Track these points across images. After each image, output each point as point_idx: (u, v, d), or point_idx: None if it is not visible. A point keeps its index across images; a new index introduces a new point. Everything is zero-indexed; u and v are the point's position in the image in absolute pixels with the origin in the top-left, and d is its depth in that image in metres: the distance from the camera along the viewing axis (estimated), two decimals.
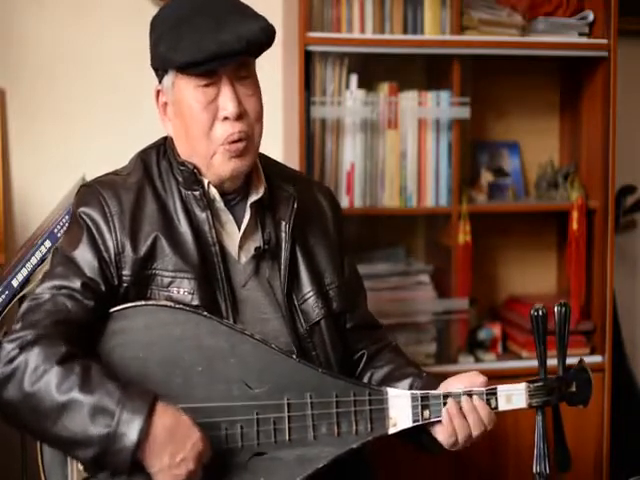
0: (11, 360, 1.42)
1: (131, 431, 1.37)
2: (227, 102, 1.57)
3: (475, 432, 1.56)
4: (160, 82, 1.63)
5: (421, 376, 1.69)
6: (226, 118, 1.57)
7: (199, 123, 1.58)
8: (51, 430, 1.40)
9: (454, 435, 1.56)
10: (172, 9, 1.60)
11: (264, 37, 1.56)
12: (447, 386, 1.60)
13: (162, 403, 1.42)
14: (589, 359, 2.65)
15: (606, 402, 2.66)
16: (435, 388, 1.60)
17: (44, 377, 1.40)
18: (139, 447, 1.37)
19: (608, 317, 2.69)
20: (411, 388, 1.66)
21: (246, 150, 1.61)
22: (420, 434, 1.61)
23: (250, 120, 1.60)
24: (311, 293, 1.69)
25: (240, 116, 1.58)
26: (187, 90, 1.57)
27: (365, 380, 1.75)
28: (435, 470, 2.37)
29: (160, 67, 1.61)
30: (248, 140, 1.60)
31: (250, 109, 1.60)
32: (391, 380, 1.71)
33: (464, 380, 1.59)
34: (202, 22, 1.54)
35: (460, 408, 1.55)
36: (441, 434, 1.57)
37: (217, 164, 1.60)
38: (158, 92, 1.65)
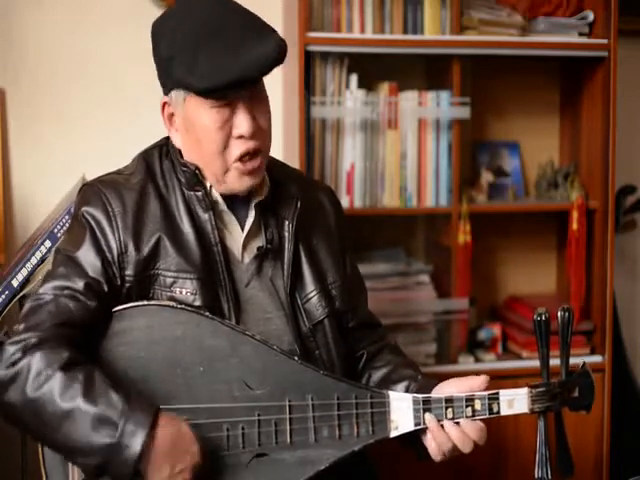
0: (14, 363, 1.42)
1: (134, 443, 1.37)
2: (242, 121, 1.56)
3: (463, 449, 1.55)
4: (166, 94, 1.61)
5: (416, 379, 1.68)
6: (241, 136, 1.57)
7: (214, 142, 1.57)
8: (53, 436, 1.41)
9: (440, 452, 1.55)
10: (178, 22, 1.57)
11: (280, 56, 1.56)
12: (442, 390, 1.59)
13: (164, 415, 1.43)
14: (589, 359, 2.66)
15: (606, 402, 2.66)
16: (429, 391, 1.60)
17: (47, 383, 1.40)
18: (141, 459, 1.38)
19: (608, 317, 2.69)
20: (407, 391, 1.66)
21: (259, 167, 1.62)
22: (414, 441, 1.60)
23: (263, 136, 1.61)
24: (314, 292, 1.69)
25: (254, 134, 1.58)
26: (201, 110, 1.56)
27: (363, 381, 1.75)
28: (437, 474, 2.36)
29: (174, 87, 1.58)
30: (261, 155, 1.61)
31: (263, 125, 1.60)
32: (388, 382, 1.71)
33: (461, 385, 1.58)
34: (218, 45, 1.52)
35: (442, 426, 1.54)
36: (430, 448, 1.57)
37: (230, 181, 1.61)
38: (164, 104, 1.63)
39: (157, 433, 1.40)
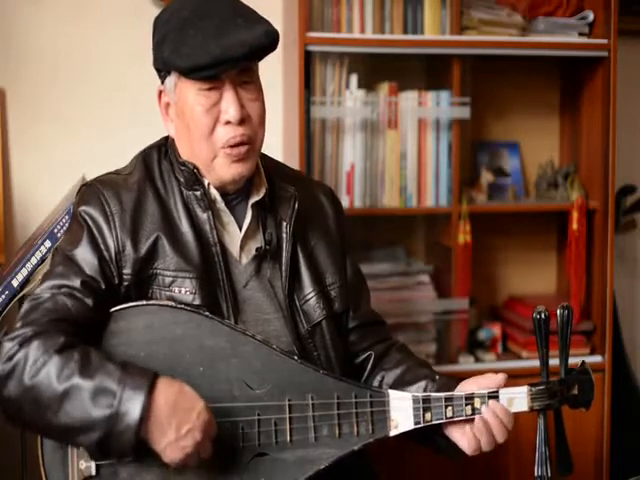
0: (11, 357, 1.41)
1: (133, 408, 1.36)
2: (229, 106, 1.56)
3: (499, 438, 1.55)
4: (162, 82, 1.63)
5: (434, 379, 1.67)
6: (228, 122, 1.57)
7: (201, 126, 1.57)
8: (53, 420, 1.39)
9: (478, 444, 1.55)
10: (175, 10, 1.59)
11: (267, 42, 1.56)
12: (462, 389, 1.58)
13: (163, 378, 1.41)
14: (589, 359, 2.66)
15: (606, 402, 2.66)
16: (451, 391, 1.58)
17: (43, 369, 1.39)
18: (142, 424, 1.37)
19: (608, 317, 2.69)
20: (425, 392, 1.64)
21: (248, 155, 1.61)
22: (437, 438, 1.60)
23: (253, 124, 1.60)
24: (312, 294, 1.68)
25: (242, 120, 1.58)
26: (189, 93, 1.57)
27: (376, 383, 1.74)
28: (437, 472, 2.36)
29: (162, 69, 1.61)
30: (250, 144, 1.60)
31: (253, 113, 1.60)
32: (403, 384, 1.69)
33: (481, 382, 1.58)
34: (205, 26, 1.53)
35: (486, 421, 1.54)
36: (463, 442, 1.56)
37: (218, 168, 1.61)
38: (160, 92, 1.65)
39: (156, 396, 1.38)
